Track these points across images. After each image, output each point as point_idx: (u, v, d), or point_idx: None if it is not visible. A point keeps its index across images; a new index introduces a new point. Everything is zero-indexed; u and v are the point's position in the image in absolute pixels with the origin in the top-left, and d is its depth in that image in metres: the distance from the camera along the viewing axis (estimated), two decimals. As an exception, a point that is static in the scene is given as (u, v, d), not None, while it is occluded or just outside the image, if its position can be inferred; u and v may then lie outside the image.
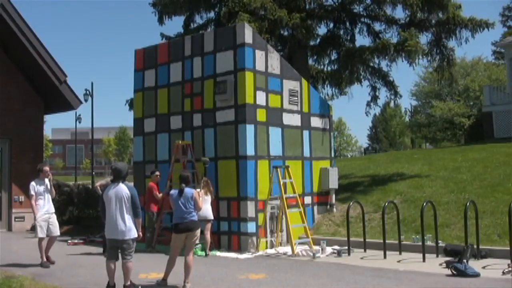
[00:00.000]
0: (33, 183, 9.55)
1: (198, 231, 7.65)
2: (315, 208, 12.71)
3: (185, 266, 7.38)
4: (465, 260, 8.28)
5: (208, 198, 10.47)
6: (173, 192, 7.71)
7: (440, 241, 9.66)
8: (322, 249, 10.31)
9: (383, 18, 16.52)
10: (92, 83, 34.59)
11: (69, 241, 12.58)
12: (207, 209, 10.27)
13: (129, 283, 7.12)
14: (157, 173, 11.69)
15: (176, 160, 11.63)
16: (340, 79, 17.04)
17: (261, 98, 11.48)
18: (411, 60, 14.58)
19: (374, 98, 17.58)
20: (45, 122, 17.30)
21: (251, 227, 10.90)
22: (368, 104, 17.71)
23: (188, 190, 7.62)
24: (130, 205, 7.11)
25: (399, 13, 25.40)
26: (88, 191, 16.97)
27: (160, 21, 16.92)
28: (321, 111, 13.18)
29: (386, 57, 15.26)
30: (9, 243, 12.43)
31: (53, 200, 9.90)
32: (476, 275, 7.80)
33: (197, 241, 7.70)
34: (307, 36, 15.22)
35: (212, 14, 17.10)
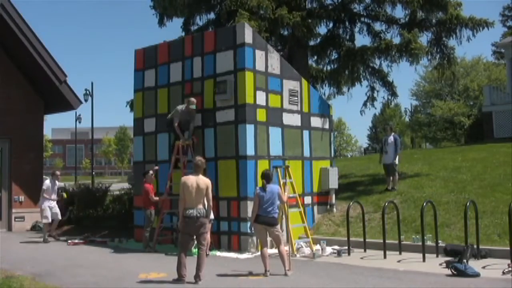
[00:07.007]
0: (47, 181, 13.36)
1: (278, 226, 8.39)
2: (315, 208, 12.70)
3: (280, 256, 8.19)
4: (465, 260, 8.28)
5: None
6: (259, 189, 8.34)
7: (440, 241, 9.65)
8: (322, 249, 10.31)
9: (383, 17, 16.49)
10: (92, 83, 34.70)
11: (69, 241, 12.57)
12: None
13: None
14: (151, 172, 11.71)
15: (176, 160, 11.62)
16: (340, 79, 17.02)
17: (261, 98, 11.48)
18: (415, 62, 14.58)
19: (371, 98, 17.53)
20: (46, 119, 17.42)
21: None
22: (364, 104, 17.69)
23: (273, 187, 8.29)
24: None
25: (399, 13, 25.45)
26: (89, 190, 16.94)
27: (161, 22, 16.90)
28: (321, 111, 13.17)
29: (388, 58, 15.24)
30: (9, 243, 12.44)
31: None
32: (476, 275, 7.80)
33: (280, 234, 8.40)
34: (308, 35, 15.18)
35: (212, 15, 17.09)
